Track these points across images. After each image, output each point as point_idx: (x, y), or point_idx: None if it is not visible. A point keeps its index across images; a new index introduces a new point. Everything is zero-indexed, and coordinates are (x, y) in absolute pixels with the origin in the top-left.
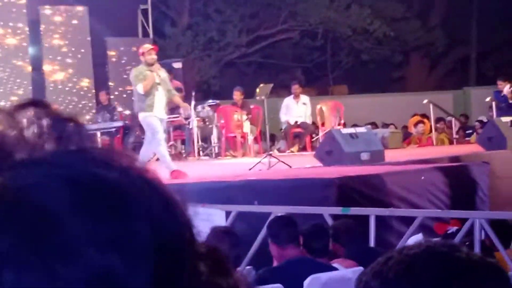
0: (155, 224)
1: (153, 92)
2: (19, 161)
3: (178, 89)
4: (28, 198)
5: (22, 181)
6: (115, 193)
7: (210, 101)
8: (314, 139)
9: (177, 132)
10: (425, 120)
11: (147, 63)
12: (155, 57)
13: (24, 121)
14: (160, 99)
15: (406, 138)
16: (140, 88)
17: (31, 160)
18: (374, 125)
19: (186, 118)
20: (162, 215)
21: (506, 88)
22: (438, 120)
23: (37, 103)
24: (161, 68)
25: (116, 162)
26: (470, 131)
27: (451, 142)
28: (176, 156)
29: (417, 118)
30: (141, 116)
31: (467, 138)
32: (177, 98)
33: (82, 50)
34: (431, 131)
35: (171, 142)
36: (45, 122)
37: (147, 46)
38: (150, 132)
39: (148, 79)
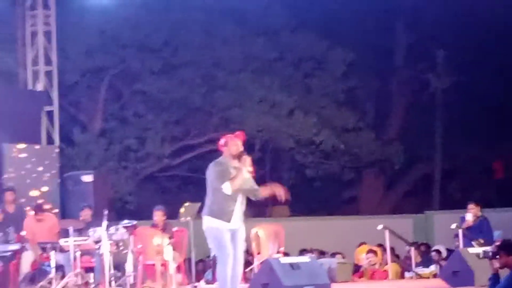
0: None
1: (235, 197)
2: None
3: (87, 207)
4: None
5: None
6: None
7: (126, 221)
8: (248, 269)
9: (85, 258)
10: (377, 250)
11: (233, 155)
12: (242, 147)
13: None
14: (241, 204)
15: (357, 270)
16: (227, 188)
17: None
18: (321, 253)
19: (96, 242)
20: None
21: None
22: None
23: None
24: (247, 161)
25: None
26: (433, 264)
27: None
28: (83, 286)
29: (366, 247)
30: (209, 222)
31: (427, 271)
32: (265, 191)
33: None
34: (386, 262)
35: (77, 270)
36: None
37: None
38: (216, 246)
39: (238, 177)
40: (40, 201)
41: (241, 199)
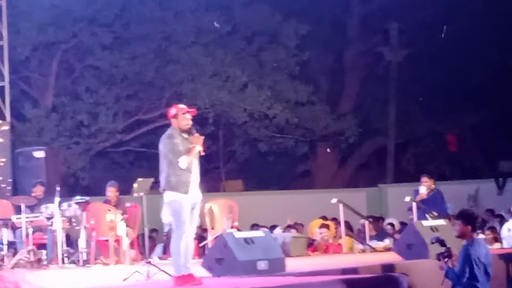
0: None
1: (190, 168)
2: None
3: (39, 183)
4: None
5: None
6: None
7: (78, 197)
8: (202, 244)
9: (38, 234)
10: (330, 224)
11: (181, 129)
12: (191, 122)
13: None
14: (196, 175)
15: (311, 244)
16: (183, 162)
17: None
18: (274, 228)
19: (49, 218)
20: None
21: (423, 188)
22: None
23: None
24: (200, 140)
25: None
26: (387, 237)
27: (363, 250)
28: (36, 263)
29: (319, 221)
30: (170, 196)
31: (382, 244)
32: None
33: None
34: (340, 236)
35: (29, 247)
36: None
37: (183, 106)
38: (175, 220)
39: (191, 151)
40: None
41: (195, 170)
